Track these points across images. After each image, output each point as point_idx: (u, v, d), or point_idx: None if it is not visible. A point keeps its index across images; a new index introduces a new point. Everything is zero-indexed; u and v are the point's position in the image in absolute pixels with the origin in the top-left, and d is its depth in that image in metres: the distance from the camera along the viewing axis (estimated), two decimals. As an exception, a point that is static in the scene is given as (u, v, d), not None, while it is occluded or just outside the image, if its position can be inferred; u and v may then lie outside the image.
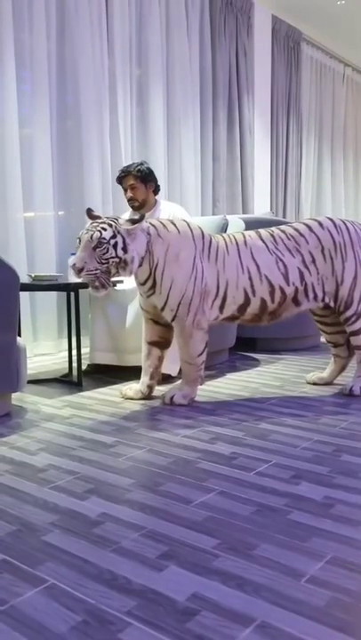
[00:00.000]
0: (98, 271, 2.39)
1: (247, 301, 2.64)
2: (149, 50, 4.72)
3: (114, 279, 2.61)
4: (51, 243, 4.01)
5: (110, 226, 2.41)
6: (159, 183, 3.39)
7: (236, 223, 3.84)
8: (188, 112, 5.13)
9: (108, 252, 2.38)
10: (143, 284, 2.57)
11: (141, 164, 3.28)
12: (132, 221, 2.45)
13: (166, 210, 3.35)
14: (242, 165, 5.83)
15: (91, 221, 2.47)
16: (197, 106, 5.30)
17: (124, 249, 2.42)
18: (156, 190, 3.36)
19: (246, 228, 3.61)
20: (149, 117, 4.77)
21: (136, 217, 2.47)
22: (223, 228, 3.57)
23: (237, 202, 5.76)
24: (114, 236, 2.39)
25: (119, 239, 2.40)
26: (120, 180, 3.31)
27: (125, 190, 3.29)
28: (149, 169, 3.28)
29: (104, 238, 2.37)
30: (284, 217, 6.56)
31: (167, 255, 2.52)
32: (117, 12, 4.40)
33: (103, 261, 2.39)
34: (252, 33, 5.92)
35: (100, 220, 2.45)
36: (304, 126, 7.08)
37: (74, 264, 2.37)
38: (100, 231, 2.38)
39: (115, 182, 4.41)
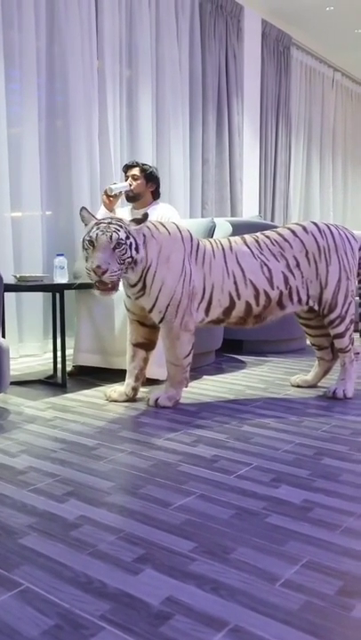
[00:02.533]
0: (120, 272, 2.38)
1: (232, 305, 2.65)
2: (139, 51, 4.72)
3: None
4: (38, 243, 3.99)
5: (121, 227, 2.40)
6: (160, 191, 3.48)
7: (223, 226, 3.84)
8: (177, 114, 5.14)
9: (126, 252, 2.38)
10: (133, 285, 2.56)
11: (151, 166, 3.41)
12: (137, 221, 2.45)
13: (159, 211, 3.37)
14: (231, 168, 5.85)
15: (95, 222, 2.42)
16: (187, 108, 5.32)
17: (137, 249, 2.42)
18: (156, 194, 3.44)
19: (234, 231, 3.62)
20: (139, 119, 4.77)
21: (139, 217, 2.47)
22: (211, 230, 3.57)
23: (226, 205, 5.77)
24: (128, 237, 2.39)
25: (132, 239, 2.41)
26: (126, 168, 3.41)
27: (127, 179, 3.37)
28: (156, 174, 3.40)
29: (122, 239, 2.36)
30: (272, 220, 6.58)
31: (159, 257, 2.52)
32: (107, 13, 4.40)
33: (121, 262, 2.38)
34: (241, 37, 5.94)
35: (107, 221, 2.41)
36: (293, 130, 7.11)
37: (97, 266, 2.29)
38: (116, 232, 2.36)
39: (103, 183, 4.43)
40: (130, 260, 2.41)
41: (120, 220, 2.45)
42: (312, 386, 3.04)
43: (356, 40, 7.08)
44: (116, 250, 2.35)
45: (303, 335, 4.25)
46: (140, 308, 2.64)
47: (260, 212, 6.38)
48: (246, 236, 2.75)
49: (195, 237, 2.66)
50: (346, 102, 8.42)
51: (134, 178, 3.33)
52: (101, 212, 3.23)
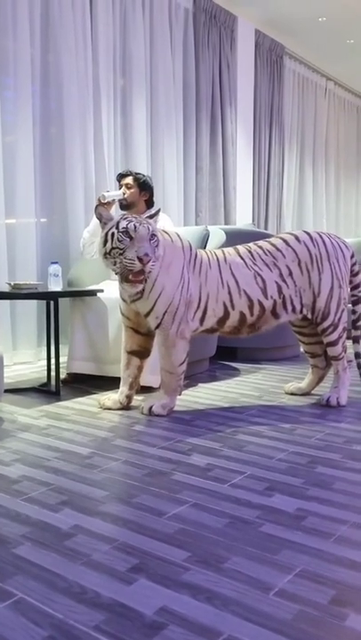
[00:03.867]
0: (157, 262, 2.45)
1: (226, 315, 2.66)
2: (133, 60, 4.76)
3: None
4: (32, 250, 4.00)
5: (146, 221, 2.45)
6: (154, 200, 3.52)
7: (217, 234, 3.86)
8: (171, 123, 5.17)
9: (158, 245, 2.45)
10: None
11: (145, 175, 3.45)
12: (150, 216, 2.55)
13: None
14: (224, 177, 5.88)
15: (122, 216, 2.46)
16: (180, 117, 5.35)
17: (157, 245, 2.46)
18: (149, 203, 3.47)
19: (227, 239, 3.63)
20: (133, 127, 4.80)
21: (152, 212, 2.56)
22: (204, 238, 3.59)
23: (220, 213, 5.80)
24: (155, 232, 2.46)
25: (156, 235, 2.47)
26: (120, 177, 3.44)
27: (120, 188, 3.40)
28: (150, 182, 3.44)
29: (155, 232, 2.44)
30: (265, 228, 6.61)
31: (162, 262, 2.54)
32: (102, 21, 4.43)
33: (154, 253, 2.43)
34: (235, 46, 5.98)
35: (132, 215, 2.47)
36: (286, 139, 7.16)
37: (145, 254, 2.35)
38: (150, 225, 2.43)
39: (98, 190, 4.45)
40: (158, 254, 2.45)
41: (137, 216, 2.50)
42: (306, 393, 3.05)
43: (348, 50, 7.15)
44: (152, 241, 2.41)
45: (297, 342, 4.26)
46: (136, 313, 2.65)
47: (253, 221, 6.41)
48: (239, 247, 2.78)
49: (193, 247, 2.69)
50: (338, 111, 8.49)
51: (128, 187, 3.36)
52: (95, 221, 3.24)
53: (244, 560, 1.34)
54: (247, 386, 3.30)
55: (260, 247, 2.76)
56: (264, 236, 3.87)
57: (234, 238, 3.62)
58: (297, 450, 2.15)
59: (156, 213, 2.59)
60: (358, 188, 9.28)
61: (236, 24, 5.96)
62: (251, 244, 2.80)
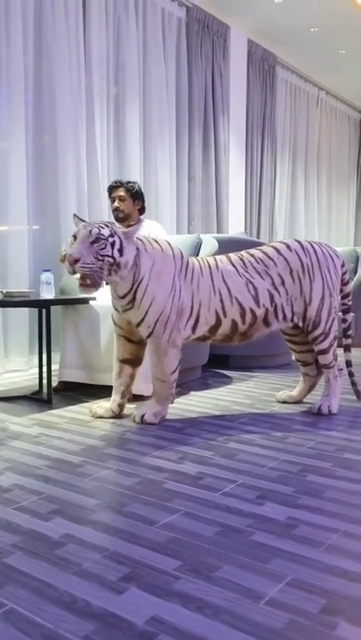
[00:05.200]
0: (93, 266, 2.38)
1: (218, 322, 2.67)
2: (126, 69, 4.78)
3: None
4: (24, 258, 4.00)
5: (106, 226, 2.43)
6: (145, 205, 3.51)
7: (209, 242, 3.87)
8: (164, 131, 5.19)
9: (105, 248, 2.38)
10: (122, 297, 2.56)
11: (134, 182, 3.41)
12: (127, 226, 2.49)
13: (146, 227, 3.39)
14: (217, 185, 5.91)
15: (84, 222, 2.47)
16: (173, 125, 5.38)
17: (121, 251, 2.42)
18: (142, 210, 3.46)
19: (220, 247, 3.65)
20: (126, 135, 4.82)
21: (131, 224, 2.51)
22: (197, 246, 3.60)
23: (212, 221, 5.82)
24: (112, 235, 2.41)
25: (117, 239, 2.42)
26: (110, 189, 3.40)
27: (113, 200, 3.38)
28: (141, 189, 3.42)
29: (102, 235, 2.39)
30: (258, 237, 6.64)
31: (152, 272, 2.54)
32: (95, 30, 4.46)
33: (100, 257, 2.38)
34: (227, 56, 6.03)
35: (95, 222, 2.46)
36: (278, 147, 7.21)
37: (70, 254, 2.34)
38: (98, 228, 2.39)
39: (91, 199, 4.46)
40: (110, 258, 2.40)
41: (110, 222, 2.49)
42: (297, 402, 3.06)
43: (340, 60, 7.22)
44: (95, 244, 2.37)
45: (289, 351, 4.27)
46: (128, 323, 2.65)
47: (245, 229, 6.43)
48: (231, 255, 2.78)
49: (185, 255, 2.69)
50: (330, 120, 8.56)
51: (121, 199, 3.33)
52: None
53: (234, 569, 1.34)
54: (239, 394, 3.30)
55: (252, 255, 2.77)
56: (256, 245, 3.88)
57: (226, 247, 3.64)
58: (288, 458, 2.16)
59: (136, 223, 2.54)
60: (350, 197, 9.34)
61: (229, 34, 6.01)
62: (242, 252, 2.81)
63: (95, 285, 2.42)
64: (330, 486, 1.87)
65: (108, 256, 2.40)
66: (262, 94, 6.71)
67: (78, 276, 2.41)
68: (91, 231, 2.37)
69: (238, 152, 6.35)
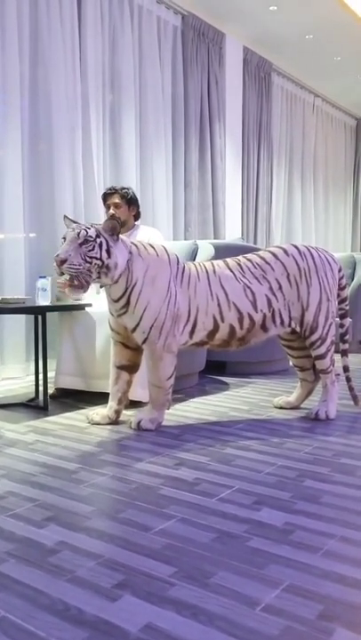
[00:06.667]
0: (81, 267, 2.38)
1: (216, 328, 2.66)
2: (122, 76, 4.80)
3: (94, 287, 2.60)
4: (20, 265, 3.99)
5: (92, 227, 2.44)
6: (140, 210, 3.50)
7: (206, 248, 3.87)
8: (160, 138, 5.20)
9: (93, 249, 2.39)
10: (117, 301, 2.56)
11: (128, 188, 3.39)
12: (112, 229, 2.48)
13: (143, 233, 3.38)
14: (213, 191, 5.91)
15: (74, 224, 2.48)
16: (169, 132, 5.39)
17: (108, 252, 2.43)
18: (137, 216, 3.46)
19: (216, 253, 3.65)
20: (122, 143, 4.82)
21: (107, 220, 2.50)
22: (193, 253, 3.60)
23: (209, 227, 5.82)
24: (98, 236, 2.42)
25: (103, 240, 2.42)
26: (105, 197, 3.39)
27: (108, 207, 3.37)
28: (135, 195, 3.41)
29: (90, 236, 2.39)
30: (254, 243, 6.65)
31: (145, 276, 2.53)
32: (90, 38, 4.47)
33: (88, 259, 2.39)
34: (223, 63, 6.06)
35: (82, 224, 2.47)
36: (275, 154, 7.23)
37: (57, 255, 2.35)
38: (85, 230, 2.40)
39: (87, 206, 4.46)
40: (98, 260, 2.41)
41: (94, 223, 2.50)
42: (295, 407, 3.05)
43: (336, 67, 7.25)
44: (83, 246, 2.38)
45: (286, 356, 4.27)
46: (124, 328, 2.64)
47: (242, 235, 6.44)
48: (229, 260, 2.78)
49: (181, 260, 2.68)
50: (326, 127, 8.59)
51: (117, 206, 3.31)
52: None
53: (230, 575, 1.33)
54: (236, 400, 3.29)
55: (250, 260, 2.77)
56: (253, 251, 3.88)
57: (223, 253, 3.63)
58: (285, 464, 2.14)
59: (134, 228, 2.55)
60: (346, 203, 9.36)
61: (225, 41, 6.04)
62: (240, 257, 2.80)
63: (82, 287, 2.43)
64: (327, 491, 1.86)
65: (97, 258, 2.40)
66: (258, 101, 6.73)
67: (66, 277, 2.42)
68: (79, 233, 2.38)
69: (235, 158, 6.36)
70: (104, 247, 2.42)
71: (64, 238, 2.41)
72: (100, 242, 2.41)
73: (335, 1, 5.58)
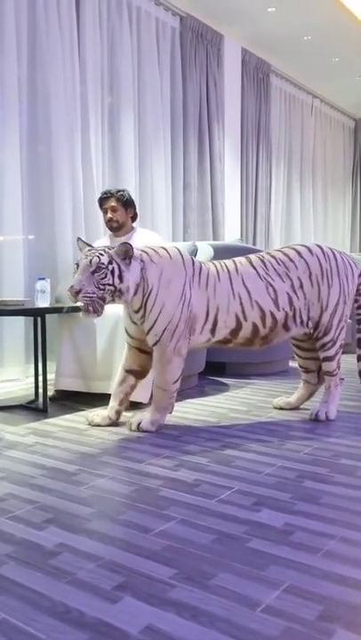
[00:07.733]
0: (94, 295, 2.41)
1: (239, 326, 2.65)
2: (121, 78, 4.80)
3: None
4: (19, 267, 3.99)
5: (105, 252, 2.45)
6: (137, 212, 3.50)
7: (205, 250, 3.88)
8: (159, 140, 5.20)
9: (106, 277, 2.41)
10: (137, 311, 2.57)
11: (123, 190, 3.40)
12: (125, 253, 2.47)
13: (142, 237, 3.38)
14: (212, 193, 5.91)
15: (87, 248, 2.51)
16: (168, 134, 5.39)
17: (120, 277, 2.44)
18: (134, 217, 3.46)
19: (215, 255, 3.65)
20: (121, 145, 4.82)
21: (120, 244, 2.48)
22: (192, 254, 3.60)
23: (208, 228, 5.82)
24: (110, 262, 2.43)
25: (115, 266, 2.44)
26: (101, 201, 3.39)
27: (105, 211, 3.37)
28: (131, 197, 3.41)
29: (102, 263, 2.41)
30: (254, 244, 6.65)
31: (161, 280, 2.53)
32: (89, 40, 4.47)
33: (101, 287, 2.41)
34: (222, 64, 6.06)
35: (95, 249, 2.49)
36: (274, 155, 7.23)
37: (71, 286, 2.38)
38: (98, 256, 2.42)
39: (86, 208, 4.46)
40: (110, 286, 2.43)
41: (108, 247, 2.49)
42: (294, 408, 3.05)
43: (334, 68, 7.26)
44: (95, 274, 2.40)
45: (285, 357, 4.27)
46: (142, 332, 2.64)
47: (241, 236, 6.44)
48: (252, 257, 2.77)
49: (196, 261, 2.68)
50: (325, 128, 8.59)
51: (113, 209, 3.33)
52: (100, 240, 3.26)
53: (230, 576, 1.33)
54: (236, 401, 3.29)
55: (274, 257, 2.76)
56: (253, 252, 3.89)
57: (222, 254, 3.64)
58: (285, 464, 2.14)
59: (128, 249, 2.50)
60: (345, 204, 9.37)
61: (223, 43, 6.05)
62: (263, 254, 2.79)
63: (96, 312, 2.46)
64: (327, 492, 1.86)
65: (109, 284, 2.43)
66: (257, 102, 6.73)
67: (80, 303, 2.46)
68: (91, 261, 2.41)
69: (233, 160, 6.37)
70: (116, 273, 2.44)
71: (77, 265, 2.44)
72: (113, 268, 2.43)
73: (333, 2, 5.59)
